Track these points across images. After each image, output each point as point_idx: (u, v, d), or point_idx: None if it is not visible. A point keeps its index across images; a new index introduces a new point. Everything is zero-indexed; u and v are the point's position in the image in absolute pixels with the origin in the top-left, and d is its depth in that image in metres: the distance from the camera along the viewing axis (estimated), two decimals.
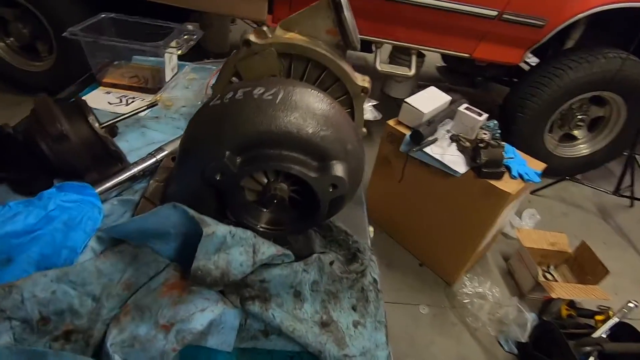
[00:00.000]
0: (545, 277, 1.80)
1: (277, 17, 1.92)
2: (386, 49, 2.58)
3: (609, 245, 2.00)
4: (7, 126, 0.47)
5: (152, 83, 0.78)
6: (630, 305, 1.47)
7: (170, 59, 0.79)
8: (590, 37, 2.24)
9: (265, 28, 0.48)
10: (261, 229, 0.44)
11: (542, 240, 1.85)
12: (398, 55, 2.67)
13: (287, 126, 0.38)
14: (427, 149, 1.63)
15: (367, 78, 0.53)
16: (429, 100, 1.76)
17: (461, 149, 1.65)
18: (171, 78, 0.81)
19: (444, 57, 3.16)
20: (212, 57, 1.12)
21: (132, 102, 0.74)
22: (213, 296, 0.36)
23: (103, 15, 0.80)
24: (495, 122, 1.75)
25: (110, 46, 0.75)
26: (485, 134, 1.57)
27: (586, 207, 2.26)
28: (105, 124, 0.54)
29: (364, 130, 0.60)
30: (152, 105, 0.65)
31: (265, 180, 0.43)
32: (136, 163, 0.56)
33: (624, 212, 2.25)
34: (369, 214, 0.62)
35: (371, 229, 0.60)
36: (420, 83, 2.78)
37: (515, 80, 2.60)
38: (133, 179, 0.54)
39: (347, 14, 0.51)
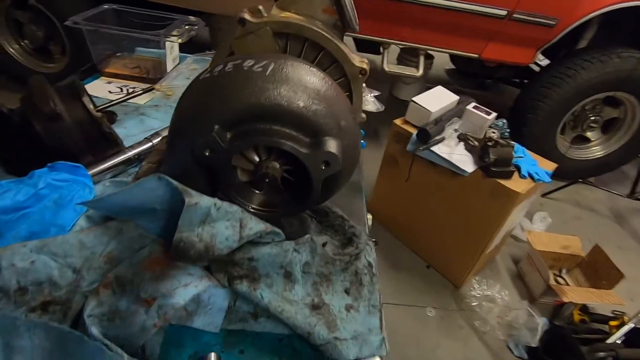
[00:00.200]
0: (556, 281, 1.75)
1: None
2: (394, 51, 2.57)
3: (624, 249, 1.93)
4: (2, 105, 0.47)
5: (153, 73, 0.78)
6: None
7: (172, 49, 0.79)
8: (603, 37, 2.19)
9: (260, 7, 0.47)
10: (252, 210, 0.43)
11: (554, 243, 1.80)
12: (406, 57, 2.65)
13: (276, 99, 0.36)
14: (434, 148, 1.61)
15: (365, 60, 0.52)
16: (437, 99, 1.74)
17: (469, 148, 1.63)
18: (173, 68, 0.81)
19: (453, 58, 3.13)
20: (214, 48, 1.12)
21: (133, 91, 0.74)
22: (197, 272, 0.34)
23: (105, 7, 0.81)
24: (504, 120, 1.72)
25: (112, 36, 0.76)
26: (493, 132, 1.54)
27: (600, 211, 2.19)
28: (100, 108, 0.53)
29: (363, 115, 0.58)
30: (148, 90, 0.65)
31: (257, 159, 0.42)
32: (132, 147, 0.55)
33: None
34: (375, 215, 0.60)
35: (370, 216, 0.58)
36: (428, 85, 2.76)
37: (526, 81, 2.56)
38: (128, 162, 0.54)
39: None
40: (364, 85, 0.85)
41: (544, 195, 2.23)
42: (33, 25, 2.06)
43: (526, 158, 1.65)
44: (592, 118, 2.23)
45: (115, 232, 0.35)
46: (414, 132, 1.64)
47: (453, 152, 1.60)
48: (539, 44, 2.09)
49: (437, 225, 1.70)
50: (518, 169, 1.59)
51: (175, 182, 0.32)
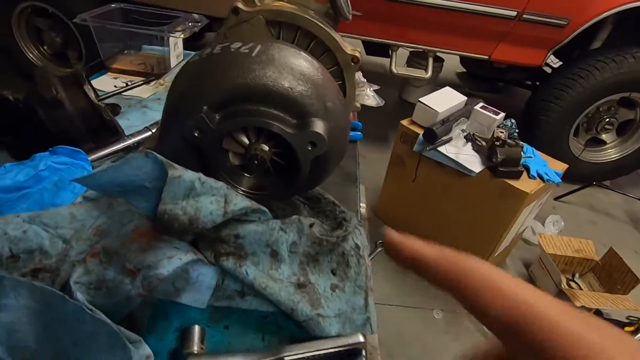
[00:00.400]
0: (569, 285, 1.70)
1: None
2: (404, 54, 2.57)
3: None
4: (7, 92, 0.49)
5: (158, 69, 0.81)
6: None
7: (176, 45, 0.81)
8: (618, 38, 2.15)
9: None
10: (242, 192, 0.44)
11: (566, 247, 1.75)
12: (415, 60, 2.65)
13: (262, 79, 0.37)
14: (441, 148, 1.60)
15: (357, 48, 0.52)
16: (444, 99, 1.73)
17: (477, 148, 1.61)
18: (176, 64, 0.83)
19: (463, 61, 3.11)
20: None
21: (136, 87, 0.76)
22: (183, 246, 0.35)
23: (113, 5, 0.84)
24: (513, 120, 1.69)
25: (118, 33, 0.79)
26: (501, 132, 1.53)
27: (615, 215, 2.13)
28: (103, 97, 0.55)
29: (357, 104, 0.59)
30: (148, 81, 0.67)
31: (247, 142, 0.43)
32: (132, 135, 0.57)
33: None
34: (382, 216, 0.60)
35: (364, 205, 0.58)
36: (438, 89, 2.76)
37: (538, 83, 2.53)
38: (127, 150, 0.56)
39: None
40: (364, 80, 0.86)
41: (556, 198, 2.18)
42: (52, 31, 2.15)
43: (535, 158, 1.62)
44: (607, 120, 2.18)
45: (106, 206, 0.37)
46: (421, 132, 1.64)
47: (460, 153, 1.59)
48: (550, 45, 2.06)
49: (444, 226, 1.68)
50: (527, 169, 1.56)
51: (160, 157, 0.33)
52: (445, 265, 0.17)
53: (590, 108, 2.11)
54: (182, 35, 0.78)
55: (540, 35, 2.00)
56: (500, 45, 2.08)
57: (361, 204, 0.56)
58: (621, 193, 2.15)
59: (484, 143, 1.55)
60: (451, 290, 0.17)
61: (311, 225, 0.41)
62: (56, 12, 1.98)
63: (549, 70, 2.48)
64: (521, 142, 1.55)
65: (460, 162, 1.55)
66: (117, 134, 0.57)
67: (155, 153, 0.33)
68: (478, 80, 3.19)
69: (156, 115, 0.68)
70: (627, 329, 1.40)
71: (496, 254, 1.62)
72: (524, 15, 1.93)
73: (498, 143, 1.48)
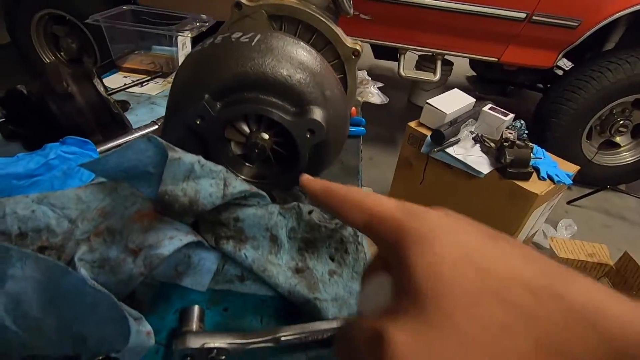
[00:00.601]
0: None
1: None
2: (413, 58, 2.58)
3: None
4: (21, 86, 0.51)
5: (166, 68, 0.83)
6: None
7: (184, 45, 0.84)
8: (632, 39, 2.12)
9: None
10: (243, 179, 0.45)
11: (579, 251, 1.72)
12: (424, 64, 2.65)
13: (261, 67, 0.38)
14: (449, 150, 1.59)
15: (358, 41, 0.53)
16: (452, 101, 1.73)
17: (485, 150, 1.60)
18: None
19: (472, 64, 3.10)
20: None
21: (147, 84, 0.79)
22: (183, 228, 0.36)
23: (124, 7, 0.87)
24: (522, 122, 1.68)
25: (129, 34, 0.82)
26: (510, 133, 1.51)
27: (631, 219, 2.08)
28: (111, 92, 0.58)
29: (359, 99, 0.60)
30: (154, 77, 0.69)
31: (248, 131, 0.44)
32: (139, 128, 0.59)
33: None
34: None
35: None
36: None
37: (549, 86, 2.50)
38: None
39: None
40: (369, 78, 0.86)
41: (569, 202, 2.14)
42: (68, 38, 2.22)
43: (546, 159, 1.60)
44: (621, 122, 2.14)
45: (111, 190, 0.38)
46: (429, 134, 1.63)
47: (468, 154, 1.58)
48: (561, 47, 2.03)
49: None
50: (537, 170, 1.54)
51: (161, 140, 0.34)
52: (326, 192, 0.24)
53: (604, 110, 2.07)
54: (189, 35, 0.81)
55: (551, 37, 1.98)
56: (510, 47, 2.07)
57: None
58: (637, 197, 2.10)
59: (492, 144, 1.54)
60: (329, 208, 0.24)
61: (310, 212, 0.42)
62: (72, 19, 2.05)
63: (560, 72, 2.45)
64: (530, 144, 1.54)
65: (468, 163, 1.54)
66: (124, 127, 0.58)
67: (157, 137, 0.35)
68: (488, 84, 3.17)
69: (163, 110, 0.70)
70: None
71: None
72: (534, 17, 1.92)
73: (507, 144, 1.47)
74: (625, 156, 2.26)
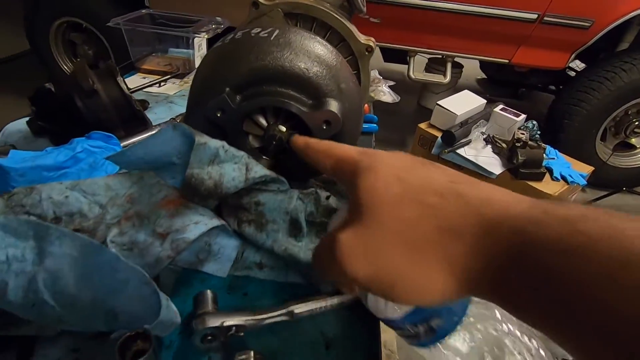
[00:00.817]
0: None
1: None
2: (422, 61, 2.58)
3: None
4: (49, 84, 0.54)
5: (183, 69, 0.86)
6: None
7: (200, 47, 0.86)
8: None
9: None
10: None
11: None
12: (433, 66, 2.65)
13: (279, 61, 0.40)
14: (460, 151, 1.59)
15: (371, 38, 0.55)
16: (463, 102, 1.73)
17: (497, 150, 1.59)
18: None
19: (483, 66, 3.08)
20: None
21: (164, 84, 0.82)
22: (208, 213, 0.38)
23: (143, 11, 0.91)
24: (535, 122, 1.67)
25: (147, 36, 0.85)
26: (522, 134, 1.51)
27: None
28: (132, 91, 0.60)
29: (372, 95, 0.61)
30: (171, 77, 0.72)
31: (266, 124, 0.46)
32: (158, 125, 0.61)
33: None
34: None
35: None
36: None
37: (562, 87, 2.47)
38: None
39: None
40: (380, 77, 0.88)
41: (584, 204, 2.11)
42: (85, 45, 2.28)
43: (559, 160, 1.59)
44: (637, 123, 2.11)
45: (137, 178, 0.40)
46: (439, 135, 1.63)
47: (479, 155, 1.58)
48: (573, 47, 2.01)
49: None
50: (550, 171, 1.53)
51: (187, 127, 0.36)
52: (306, 145, 0.30)
53: (618, 111, 2.04)
54: (205, 36, 0.83)
55: (563, 38, 1.96)
56: (521, 48, 2.06)
57: None
58: None
59: (504, 145, 1.53)
60: (308, 158, 0.30)
61: (327, 197, 0.43)
62: (90, 27, 2.11)
63: (572, 73, 2.43)
64: (543, 144, 1.53)
65: (479, 164, 1.53)
66: (145, 123, 0.61)
67: (183, 125, 0.36)
68: (499, 86, 3.14)
69: (181, 109, 0.72)
70: None
71: None
72: (545, 18, 1.91)
73: (519, 144, 1.46)
74: None
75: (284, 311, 0.34)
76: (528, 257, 0.19)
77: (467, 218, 0.21)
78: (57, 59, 2.30)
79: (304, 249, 0.40)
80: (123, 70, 0.84)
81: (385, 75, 0.93)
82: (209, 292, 0.37)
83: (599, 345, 0.16)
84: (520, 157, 1.43)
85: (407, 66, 2.17)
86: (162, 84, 0.81)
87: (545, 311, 0.18)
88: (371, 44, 0.53)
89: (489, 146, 1.62)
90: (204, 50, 0.88)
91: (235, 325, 0.34)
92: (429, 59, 2.65)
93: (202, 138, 0.36)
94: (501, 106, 1.65)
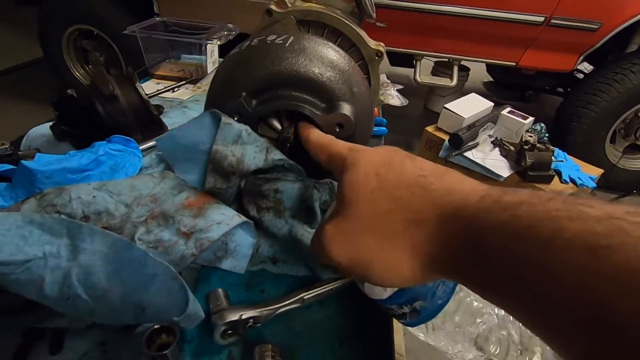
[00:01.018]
0: None
1: None
2: (428, 65, 2.59)
3: None
4: (71, 90, 0.56)
5: (195, 75, 0.88)
6: None
7: (212, 53, 0.89)
8: None
9: None
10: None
11: None
12: (440, 70, 2.65)
13: (294, 66, 0.42)
14: (468, 154, 1.60)
15: (381, 43, 0.56)
16: (470, 105, 1.73)
17: (505, 153, 1.59)
18: (212, 70, 0.90)
19: (490, 69, 3.08)
20: None
21: (178, 90, 0.84)
22: (229, 212, 0.40)
23: (157, 19, 0.93)
24: (542, 125, 1.67)
25: (161, 43, 0.87)
26: (530, 136, 1.51)
27: None
28: (150, 96, 0.62)
29: (382, 98, 0.62)
30: (185, 83, 0.74)
31: (280, 127, 0.47)
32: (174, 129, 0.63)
33: None
34: None
35: None
36: None
37: (569, 90, 2.46)
38: None
39: None
40: (388, 80, 0.89)
41: None
42: (96, 52, 2.33)
43: (567, 162, 1.58)
44: None
45: (159, 179, 0.42)
46: (447, 138, 1.64)
47: (487, 157, 1.58)
48: (581, 50, 2.01)
49: None
50: (559, 173, 1.53)
51: (217, 111, 0.40)
52: (308, 138, 0.37)
53: (628, 113, 2.03)
54: (218, 42, 0.86)
55: (570, 40, 1.96)
56: (528, 51, 2.06)
57: None
58: None
59: (512, 148, 1.54)
60: (309, 150, 0.36)
61: None
62: (101, 34, 2.16)
63: (580, 76, 2.42)
64: (551, 147, 1.53)
65: (487, 166, 1.54)
66: (161, 127, 0.63)
67: (221, 113, 0.40)
68: (506, 89, 3.14)
69: (194, 114, 0.74)
70: None
71: None
72: (552, 21, 1.90)
73: (527, 147, 1.46)
74: None
75: (296, 299, 0.37)
76: (478, 241, 0.21)
77: (428, 208, 0.24)
78: (69, 65, 2.35)
79: None
80: (138, 76, 0.87)
81: (392, 78, 0.94)
82: (220, 290, 0.39)
83: (544, 310, 0.18)
84: (528, 160, 1.43)
85: (413, 69, 2.19)
86: (175, 89, 0.83)
87: (499, 287, 0.21)
88: (381, 49, 0.55)
89: (497, 149, 1.63)
90: (216, 56, 0.90)
91: (252, 317, 0.36)
92: (436, 62, 2.66)
93: (227, 119, 0.40)
94: (509, 109, 1.66)
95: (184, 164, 0.42)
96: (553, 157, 1.46)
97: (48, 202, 0.35)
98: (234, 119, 0.44)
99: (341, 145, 0.33)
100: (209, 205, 0.39)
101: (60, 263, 0.30)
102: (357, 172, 0.28)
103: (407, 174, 0.26)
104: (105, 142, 0.54)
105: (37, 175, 0.45)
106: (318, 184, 0.45)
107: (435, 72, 2.66)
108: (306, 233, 0.42)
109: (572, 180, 1.47)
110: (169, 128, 0.66)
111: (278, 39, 0.43)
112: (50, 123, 0.59)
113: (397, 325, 0.39)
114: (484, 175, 1.53)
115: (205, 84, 0.84)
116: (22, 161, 0.45)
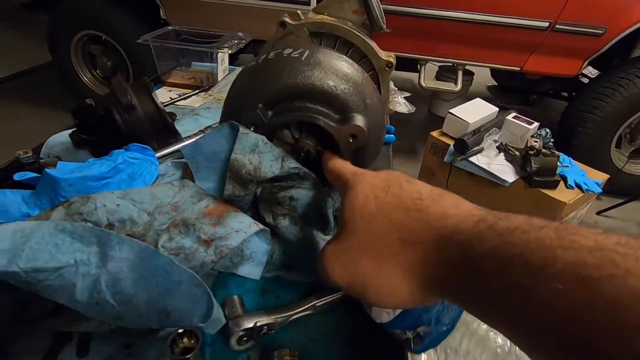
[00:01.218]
0: None
1: None
2: (433, 69, 2.60)
3: None
4: (90, 100, 0.58)
5: (206, 82, 0.90)
6: None
7: (223, 61, 0.91)
8: None
9: (298, 11, 0.55)
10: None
11: None
12: (444, 74, 2.66)
13: (310, 79, 0.43)
14: (473, 159, 1.60)
15: (391, 54, 0.57)
16: (475, 110, 1.74)
17: (510, 158, 1.60)
18: (223, 78, 0.92)
19: (494, 74, 3.09)
20: None
21: (189, 97, 0.86)
22: (246, 220, 0.41)
23: (169, 28, 0.95)
24: (548, 130, 1.67)
25: (173, 51, 0.89)
26: (536, 141, 1.51)
27: None
28: (165, 104, 0.63)
29: (391, 108, 0.64)
30: (198, 92, 0.76)
31: (295, 137, 0.49)
32: (188, 137, 0.65)
33: None
34: None
35: None
36: None
37: (574, 94, 2.46)
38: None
39: None
40: (395, 88, 0.90)
41: (599, 212, 2.09)
42: (104, 57, 2.37)
43: (573, 168, 1.58)
44: None
45: (179, 188, 0.43)
46: (452, 143, 1.65)
47: (492, 162, 1.59)
48: (586, 54, 2.01)
49: None
50: (564, 179, 1.53)
51: (237, 123, 0.42)
52: (326, 164, 0.41)
53: (633, 118, 2.03)
54: (229, 51, 0.88)
55: (575, 45, 1.97)
56: (533, 56, 2.06)
57: None
58: None
59: (517, 153, 1.54)
60: (326, 174, 0.40)
61: None
62: (109, 40, 2.19)
63: (585, 80, 2.42)
64: (557, 152, 1.53)
65: (492, 171, 1.54)
66: (175, 135, 0.64)
67: (239, 125, 0.42)
68: (510, 93, 3.14)
69: (206, 121, 0.76)
70: None
71: None
72: (557, 26, 1.91)
73: (532, 152, 1.47)
74: None
75: (308, 305, 0.38)
76: (473, 266, 0.22)
77: (424, 231, 0.25)
78: (77, 70, 2.39)
79: None
80: None
81: (396, 83, 0.95)
82: (235, 296, 0.40)
83: (537, 336, 0.19)
84: (533, 165, 1.44)
85: (417, 74, 2.20)
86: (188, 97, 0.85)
87: (494, 310, 0.22)
88: (391, 59, 0.56)
89: (502, 154, 1.63)
90: (226, 64, 0.92)
91: (267, 324, 0.37)
92: (440, 67, 2.67)
93: (245, 129, 0.42)
94: (514, 114, 1.66)
95: (203, 172, 0.44)
96: (558, 163, 1.47)
97: (75, 210, 0.37)
98: (250, 129, 0.46)
99: (347, 169, 0.35)
100: (228, 213, 0.40)
101: (90, 270, 0.31)
102: (357, 194, 0.29)
103: (404, 197, 0.28)
104: (123, 150, 0.55)
105: (60, 183, 0.47)
106: (332, 192, 0.46)
107: (439, 76, 2.67)
108: (320, 240, 0.44)
109: (578, 186, 1.47)
110: (182, 136, 0.68)
111: (294, 53, 0.45)
112: (69, 131, 0.60)
113: None
114: (489, 180, 1.54)
115: (216, 92, 0.86)
116: (46, 169, 0.47)
